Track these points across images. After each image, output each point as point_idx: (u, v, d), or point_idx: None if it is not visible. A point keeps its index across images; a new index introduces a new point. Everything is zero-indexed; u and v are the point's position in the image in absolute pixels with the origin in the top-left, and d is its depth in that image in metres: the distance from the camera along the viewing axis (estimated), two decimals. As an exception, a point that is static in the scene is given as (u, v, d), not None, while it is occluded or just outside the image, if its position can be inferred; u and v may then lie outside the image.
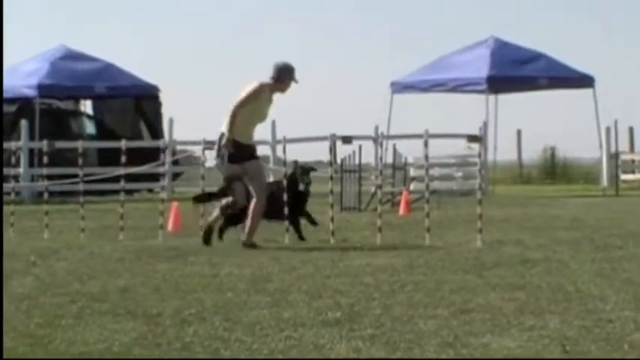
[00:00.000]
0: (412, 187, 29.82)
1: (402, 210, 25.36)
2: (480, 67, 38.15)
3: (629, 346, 7.65)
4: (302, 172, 17.42)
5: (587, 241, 16.36)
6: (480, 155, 20.00)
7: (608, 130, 38.98)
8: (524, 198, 33.08)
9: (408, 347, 7.67)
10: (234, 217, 16.27)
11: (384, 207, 19.69)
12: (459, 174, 34.21)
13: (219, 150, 15.93)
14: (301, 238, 16.70)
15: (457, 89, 39.57)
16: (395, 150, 31.03)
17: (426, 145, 17.99)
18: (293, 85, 15.85)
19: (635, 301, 9.79)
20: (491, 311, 9.31)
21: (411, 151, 30.51)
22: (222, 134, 15.77)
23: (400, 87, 39.83)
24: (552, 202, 30.62)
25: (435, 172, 30.86)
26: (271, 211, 16.55)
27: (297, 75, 15.82)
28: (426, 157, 18.31)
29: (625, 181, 38.34)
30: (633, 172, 40.72)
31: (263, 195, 15.95)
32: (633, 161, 41.26)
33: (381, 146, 23.83)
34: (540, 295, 10.29)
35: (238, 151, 15.73)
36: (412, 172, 31.43)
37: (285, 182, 17.05)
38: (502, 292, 10.57)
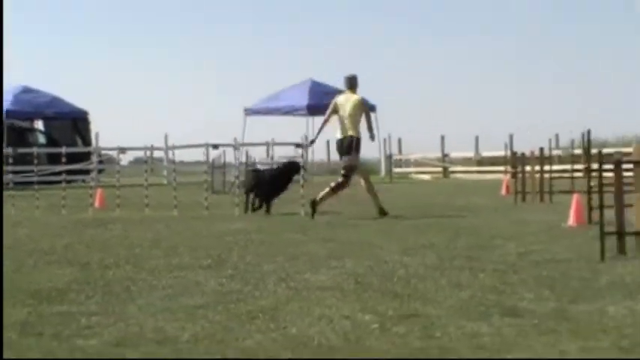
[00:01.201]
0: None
1: (252, 192, 25.41)
2: (302, 98, 38.68)
3: (397, 278, 7.72)
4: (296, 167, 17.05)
5: (372, 211, 16.50)
6: (302, 156, 20.13)
7: (385, 140, 39.68)
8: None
9: (256, 282, 7.63)
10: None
11: (241, 190, 19.60)
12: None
13: (349, 148, 15.15)
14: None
15: (288, 113, 39.87)
16: (247, 153, 31.16)
17: (268, 149, 18.04)
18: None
19: (401, 249, 9.89)
20: (311, 257, 9.33)
21: (258, 153, 30.55)
22: (352, 136, 15.14)
23: (251, 111, 40.05)
24: (350, 186, 30.82)
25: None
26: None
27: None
28: (268, 156, 18.36)
29: (396, 173, 38.87)
30: (400, 166, 41.36)
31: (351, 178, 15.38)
32: (400, 160, 41.94)
33: (238, 150, 23.67)
34: (342, 246, 10.34)
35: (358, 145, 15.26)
36: (259, 167, 31.40)
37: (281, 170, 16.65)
38: (318, 244, 10.60)
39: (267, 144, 19.40)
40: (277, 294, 7.02)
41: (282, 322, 5.85)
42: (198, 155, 31.78)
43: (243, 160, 31.01)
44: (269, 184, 16.46)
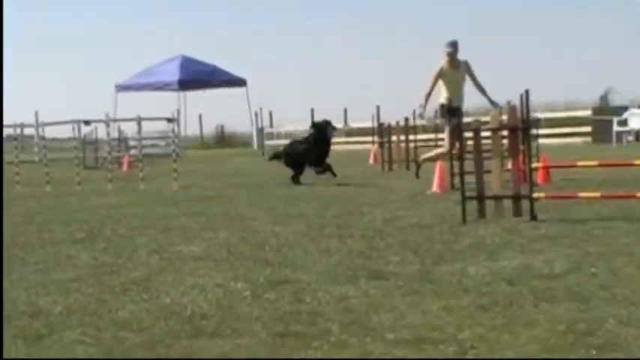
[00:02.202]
0: (132, 152, 29.39)
1: (125, 167, 25.03)
2: (173, 74, 38.27)
3: (268, 247, 7.76)
4: (332, 128, 15.84)
5: (245, 183, 16.53)
6: (173, 131, 19.96)
7: (256, 113, 39.67)
8: (205, 158, 33.10)
9: (129, 254, 7.56)
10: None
11: (114, 166, 19.31)
12: (162, 143, 33.98)
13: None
14: (335, 174, 15.55)
15: (160, 89, 39.38)
16: (119, 129, 30.72)
17: (139, 124, 17.80)
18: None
19: (272, 219, 9.94)
20: (184, 229, 9.29)
21: (130, 129, 30.14)
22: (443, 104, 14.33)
23: (122, 87, 39.35)
24: (223, 160, 30.75)
25: (147, 142, 30.42)
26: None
27: None
28: (139, 132, 18.14)
29: (268, 146, 38.94)
30: (272, 139, 41.41)
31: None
32: (272, 133, 42.00)
33: (109, 126, 23.30)
34: (215, 218, 10.33)
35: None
36: (131, 143, 31.01)
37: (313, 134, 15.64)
38: (190, 217, 10.55)
39: (138, 119, 19.14)
40: (150, 265, 6.97)
41: (155, 293, 5.82)
42: (70, 132, 31.13)
43: (115, 135, 30.65)
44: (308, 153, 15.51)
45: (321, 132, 15.65)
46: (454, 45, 14.20)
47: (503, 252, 6.98)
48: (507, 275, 5.95)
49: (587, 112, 33.01)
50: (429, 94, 14.20)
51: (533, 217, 8.81)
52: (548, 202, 9.63)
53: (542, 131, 27.87)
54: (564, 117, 35.20)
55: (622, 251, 6.71)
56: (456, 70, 14.14)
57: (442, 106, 14.24)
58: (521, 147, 10.48)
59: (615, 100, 33.84)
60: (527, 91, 9.79)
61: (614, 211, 9.08)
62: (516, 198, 9.14)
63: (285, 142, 41.33)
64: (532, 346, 4.21)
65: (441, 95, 14.29)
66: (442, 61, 14.17)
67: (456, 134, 13.52)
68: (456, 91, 14.15)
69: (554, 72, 57.36)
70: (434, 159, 14.32)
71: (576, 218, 8.77)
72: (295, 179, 15.62)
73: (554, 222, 8.58)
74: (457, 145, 13.23)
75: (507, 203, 9.18)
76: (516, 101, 10.11)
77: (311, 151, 15.63)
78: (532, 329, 4.52)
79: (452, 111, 13.99)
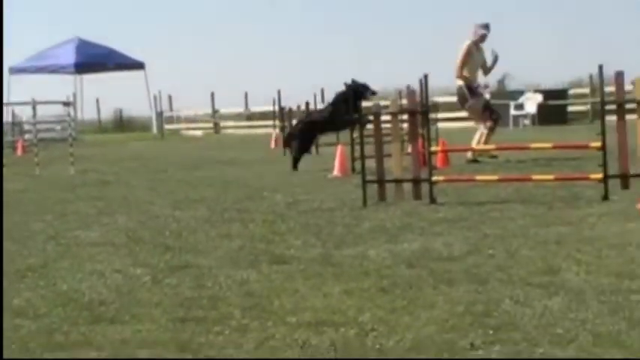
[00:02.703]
0: (26, 136, 28.82)
1: (19, 152, 24.54)
2: (69, 57, 37.69)
3: (169, 232, 7.71)
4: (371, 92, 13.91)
5: (144, 168, 16.36)
6: (70, 115, 19.65)
7: (155, 97, 39.32)
8: (103, 142, 32.64)
9: (24, 241, 7.42)
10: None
11: (7, 150, 18.93)
12: (58, 127, 33.39)
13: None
14: None
15: (55, 72, 38.70)
16: (13, 112, 30.15)
17: (34, 108, 17.49)
18: None
19: (172, 203, 9.87)
20: (81, 214, 9.16)
21: (25, 113, 29.55)
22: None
23: (15, 70, 38.51)
24: (122, 144, 30.35)
25: (42, 126, 29.83)
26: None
27: None
28: (34, 116, 17.82)
29: (167, 130, 38.58)
30: (172, 123, 41.06)
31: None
32: (171, 117, 41.65)
33: (2, 110, 22.79)
34: (113, 203, 10.20)
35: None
36: (26, 127, 30.40)
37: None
38: (88, 202, 10.41)
39: (32, 103, 18.75)
40: (47, 252, 6.86)
41: (51, 279, 5.73)
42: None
43: (10, 119, 30.05)
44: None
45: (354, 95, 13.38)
46: (488, 27, 14.46)
47: (403, 235, 7.07)
48: (407, 258, 6.04)
49: (486, 97, 33.61)
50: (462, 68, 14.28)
51: (433, 201, 8.94)
52: (447, 186, 9.79)
53: (441, 115, 28.26)
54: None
55: (518, 233, 6.87)
56: (479, 52, 14.46)
57: (461, 87, 14.39)
58: (420, 131, 10.62)
59: (512, 85, 34.51)
60: (426, 76, 9.92)
61: (511, 194, 9.28)
62: (416, 181, 9.26)
63: (186, 125, 41.17)
64: (431, 327, 4.29)
65: (455, 75, 14.44)
66: (469, 41, 14.35)
67: (489, 110, 14.44)
68: (475, 72, 14.45)
69: (452, 57, 58.32)
70: (487, 142, 14.20)
71: (474, 201, 8.94)
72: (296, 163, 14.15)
73: (453, 205, 8.73)
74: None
75: (407, 187, 9.29)
76: (415, 86, 10.24)
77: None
78: (431, 311, 4.59)
79: (472, 90, 14.30)
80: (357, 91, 13.59)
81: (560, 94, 32.49)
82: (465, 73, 14.30)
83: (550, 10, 63.76)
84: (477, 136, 14.32)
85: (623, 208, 7.84)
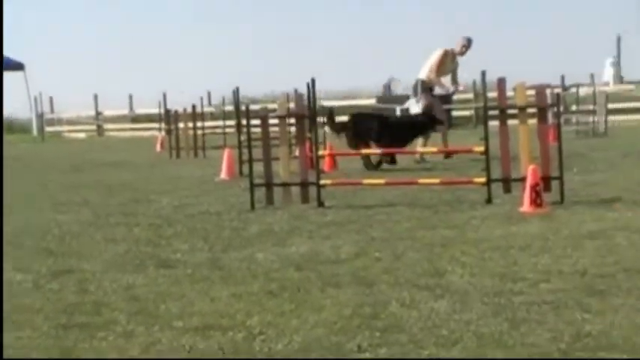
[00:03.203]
0: None
1: None
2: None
3: (51, 236, 7.56)
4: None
5: (25, 171, 16.02)
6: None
7: (36, 98, 38.62)
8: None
9: None
10: None
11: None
12: None
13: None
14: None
15: None
16: None
17: None
18: None
19: (55, 207, 9.68)
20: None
21: None
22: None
23: None
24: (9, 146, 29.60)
25: None
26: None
27: None
28: None
29: (48, 132, 37.88)
30: (53, 125, 40.22)
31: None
32: (52, 119, 40.82)
33: None
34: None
35: None
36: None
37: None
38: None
39: None
40: None
41: None
42: None
43: None
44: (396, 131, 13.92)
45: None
46: (470, 43, 15.25)
47: (291, 238, 7.10)
48: (295, 261, 6.06)
49: (372, 101, 33.97)
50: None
51: (321, 204, 9.00)
52: (334, 189, 9.86)
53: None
54: (350, 105, 36.12)
55: (404, 236, 6.97)
56: (452, 63, 15.21)
57: (423, 82, 14.92)
58: (308, 134, 10.68)
59: (398, 89, 34.94)
60: (313, 80, 9.97)
61: (397, 197, 9.40)
62: (304, 185, 9.30)
63: (68, 128, 40.43)
64: (319, 330, 4.31)
65: (423, 72, 15.01)
66: (448, 47, 15.08)
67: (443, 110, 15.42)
68: (439, 77, 15.13)
69: (340, 61, 58.65)
70: (445, 140, 15.08)
71: (362, 204, 9.03)
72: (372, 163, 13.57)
73: (340, 208, 8.80)
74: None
75: (295, 190, 9.33)
76: (303, 89, 10.29)
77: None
78: (319, 313, 4.62)
79: (430, 89, 15.01)
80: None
81: (445, 99, 33.02)
82: (431, 74, 14.96)
83: (435, 16, 64.88)
84: (420, 141, 14.71)
85: (505, 211, 8.04)
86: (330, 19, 65.53)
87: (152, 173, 14.53)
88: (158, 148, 23.32)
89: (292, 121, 10.40)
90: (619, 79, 39.83)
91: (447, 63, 15.10)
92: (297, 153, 9.93)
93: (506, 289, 4.98)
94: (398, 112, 30.82)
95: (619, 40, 43.36)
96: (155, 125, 31.47)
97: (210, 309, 4.80)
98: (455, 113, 33.10)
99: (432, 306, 4.67)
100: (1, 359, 4.13)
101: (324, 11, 65.58)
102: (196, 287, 5.36)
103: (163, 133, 24.30)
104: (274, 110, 10.36)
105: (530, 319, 4.35)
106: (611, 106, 24.29)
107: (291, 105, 10.47)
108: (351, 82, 55.04)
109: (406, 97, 32.69)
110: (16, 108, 41.80)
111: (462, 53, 15.29)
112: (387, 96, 33.76)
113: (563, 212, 7.88)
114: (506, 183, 8.98)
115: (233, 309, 4.78)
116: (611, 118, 23.88)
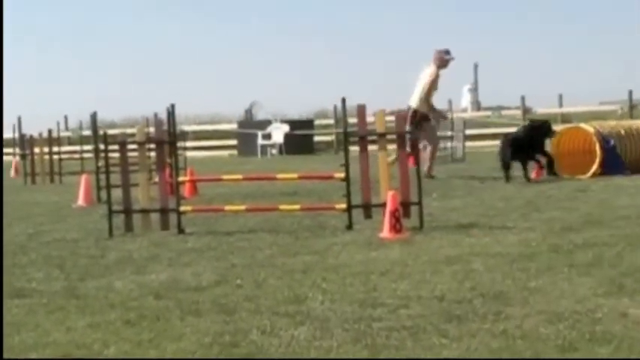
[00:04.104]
0: None
1: None
2: None
3: None
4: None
5: None
6: None
7: None
8: None
9: None
10: None
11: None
12: None
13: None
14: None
15: None
16: None
17: None
18: None
19: None
20: None
21: None
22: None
23: None
24: None
25: None
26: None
27: None
28: None
29: None
30: None
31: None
32: None
33: None
34: None
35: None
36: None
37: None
38: None
39: None
40: None
41: None
42: None
43: None
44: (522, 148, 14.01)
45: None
46: (450, 54, 15.03)
47: (150, 265, 7.03)
48: (155, 289, 6.00)
49: (233, 126, 34.00)
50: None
51: (181, 231, 8.95)
52: (195, 216, 9.82)
53: (189, 144, 28.28)
54: (211, 130, 36.01)
55: (265, 263, 6.99)
56: (437, 81, 15.02)
57: (416, 112, 14.76)
58: (168, 160, 10.61)
59: (259, 114, 35.07)
60: (173, 105, 9.95)
61: (259, 223, 9.43)
62: (164, 211, 9.23)
63: None
64: (179, 360, 4.29)
65: (414, 99, 14.88)
66: (434, 67, 14.88)
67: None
68: (430, 98, 15.01)
69: (202, 85, 58.39)
70: (432, 160, 15.03)
71: (223, 231, 9.01)
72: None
73: (201, 235, 8.77)
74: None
75: (155, 217, 9.25)
76: (163, 114, 10.23)
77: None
78: (178, 342, 4.59)
79: (424, 117, 14.86)
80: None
81: (306, 124, 33.37)
82: (431, 100, 14.98)
83: (294, 43, 65.40)
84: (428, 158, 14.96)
85: (366, 237, 8.16)
86: (190, 42, 65.22)
87: (6, 199, 14.14)
88: (12, 173, 22.73)
89: (152, 146, 10.32)
90: (476, 105, 41.05)
91: (433, 84, 14.99)
92: (156, 179, 9.85)
93: (366, 315, 5.05)
94: (260, 139, 31.01)
95: (476, 67, 44.82)
96: (9, 150, 30.66)
97: (66, 339, 4.71)
98: (316, 138, 33.50)
99: (292, 333, 4.70)
100: (1, 359, 4.05)
101: (182, 35, 65.20)
102: (52, 317, 5.26)
103: (18, 158, 23.71)
104: (133, 135, 10.26)
105: (390, 345, 4.43)
106: (468, 132, 25.00)
107: (151, 129, 10.39)
108: (213, 107, 54.86)
109: (268, 122, 32.95)
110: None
111: (446, 66, 15.07)
112: (249, 121, 33.83)
113: (423, 237, 8.05)
114: (367, 209, 9.12)
115: (90, 339, 4.70)
116: (468, 143, 24.56)
